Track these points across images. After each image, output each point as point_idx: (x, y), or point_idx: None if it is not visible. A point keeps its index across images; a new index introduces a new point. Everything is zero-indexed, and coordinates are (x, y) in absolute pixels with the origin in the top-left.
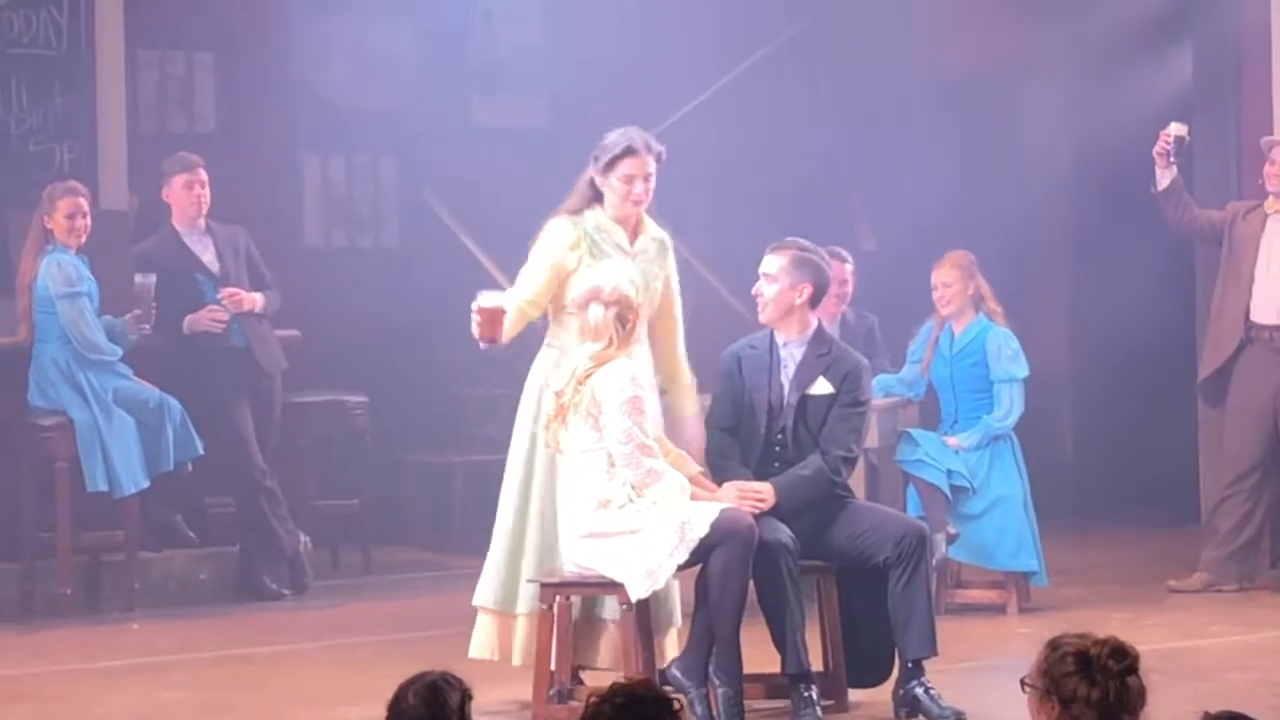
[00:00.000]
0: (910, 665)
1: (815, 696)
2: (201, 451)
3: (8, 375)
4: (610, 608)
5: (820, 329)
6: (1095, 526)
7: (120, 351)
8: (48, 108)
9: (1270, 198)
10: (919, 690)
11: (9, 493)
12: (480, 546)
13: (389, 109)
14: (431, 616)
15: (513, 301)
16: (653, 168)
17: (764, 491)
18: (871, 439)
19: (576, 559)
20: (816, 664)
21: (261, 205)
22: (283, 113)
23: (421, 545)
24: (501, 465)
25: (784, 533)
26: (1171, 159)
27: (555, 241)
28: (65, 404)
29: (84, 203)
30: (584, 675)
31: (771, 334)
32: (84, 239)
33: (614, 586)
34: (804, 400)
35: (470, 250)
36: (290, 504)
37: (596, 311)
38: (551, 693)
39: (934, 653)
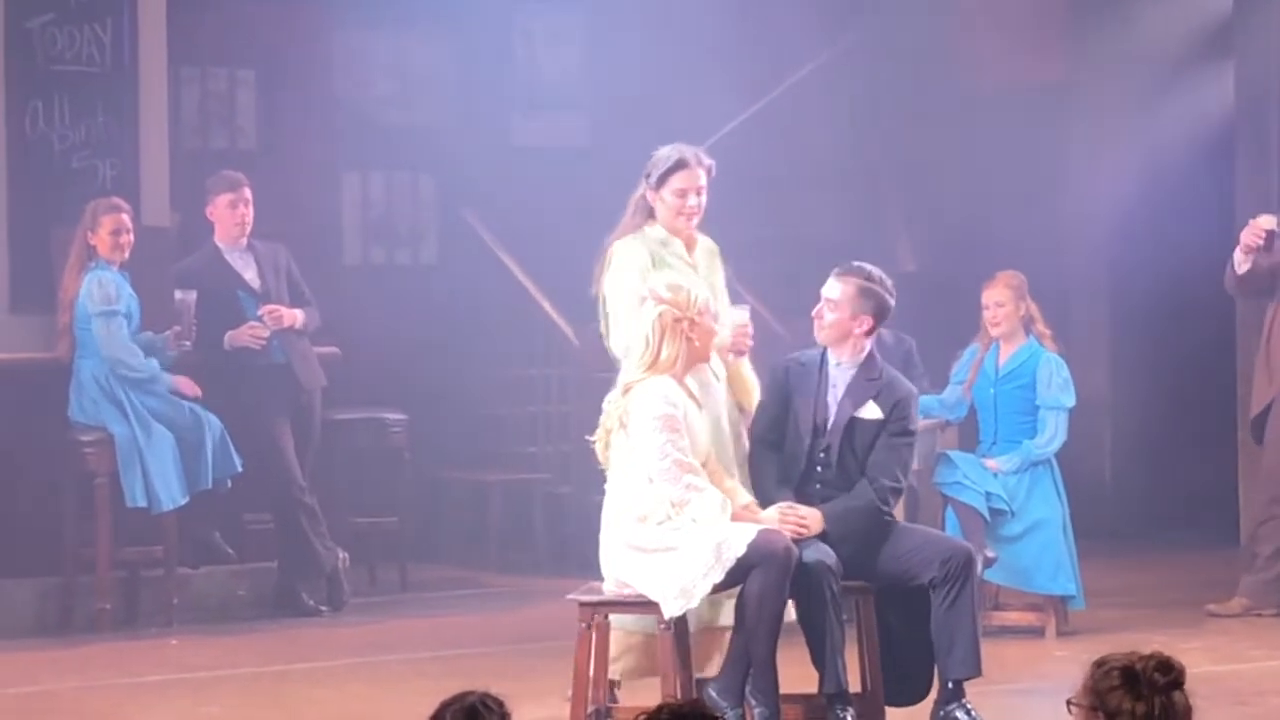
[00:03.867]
0: (951, 686)
1: (852, 718)
2: (240, 469)
3: (48, 391)
4: (727, 614)
5: (872, 355)
6: (1134, 549)
7: (154, 367)
8: (90, 124)
9: None
10: (959, 712)
11: (50, 508)
12: (516, 565)
13: (429, 127)
14: (468, 634)
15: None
16: (704, 180)
17: (809, 517)
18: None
19: (616, 573)
20: (854, 685)
21: (301, 222)
22: (324, 130)
23: (459, 563)
24: (538, 484)
25: (828, 554)
26: (1260, 249)
27: (632, 260)
28: (105, 420)
29: (127, 219)
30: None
31: (824, 352)
32: (127, 255)
33: (651, 605)
34: (852, 422)
35: (509, 268)
36: (328, 521)
37: (644, 314)
38: (589, 712)
39: (978, 673)
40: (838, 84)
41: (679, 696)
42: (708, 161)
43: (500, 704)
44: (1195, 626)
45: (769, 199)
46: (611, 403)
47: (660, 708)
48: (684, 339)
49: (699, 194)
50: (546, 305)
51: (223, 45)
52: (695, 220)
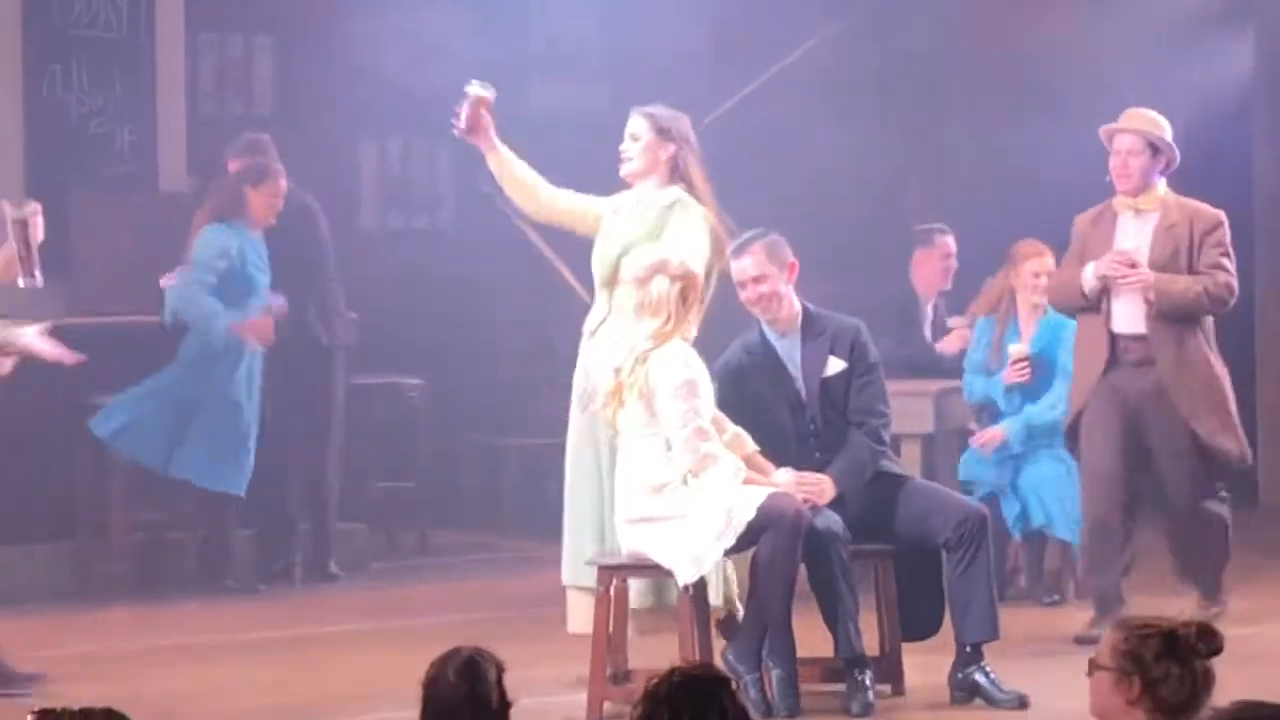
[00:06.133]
0: (969, 649)
1: (870, 681)
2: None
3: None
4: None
5: (806, 309)
6: (1152, 510)
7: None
8: (108, 90)
9: (1118, 195)
10: (979, 675)
11: (62, 472)
12: (533, 529)
13: (446, 92)
14: (486, 598)
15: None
16: (634, 129)
17: (823, 481)
18: (927, 423)
19: (628, 543)
20: (872, 648)
21: (318, 188)
22: (341, 96)
23: (476, 528)
24: (555, 448)
25: (835, 521)
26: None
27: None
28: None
29: (284, 184)
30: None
31: (761, 331)
32: (273, 222)
33: (668, 570)
34: (823, 385)
35: (526, 233)
36: (346, 486)
37: (660, 285)
38: (608, 674)
39: (995, 636)
40: (855, 49)
41: (696, 658)
42: (647, 111)
43: (493, 655)
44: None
45: (782, 161)
46: (623, 370)
47: (673, 670)
48: (695, 307)
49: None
50: (564, 270)
51: (240, 11)
52: (625, 170)
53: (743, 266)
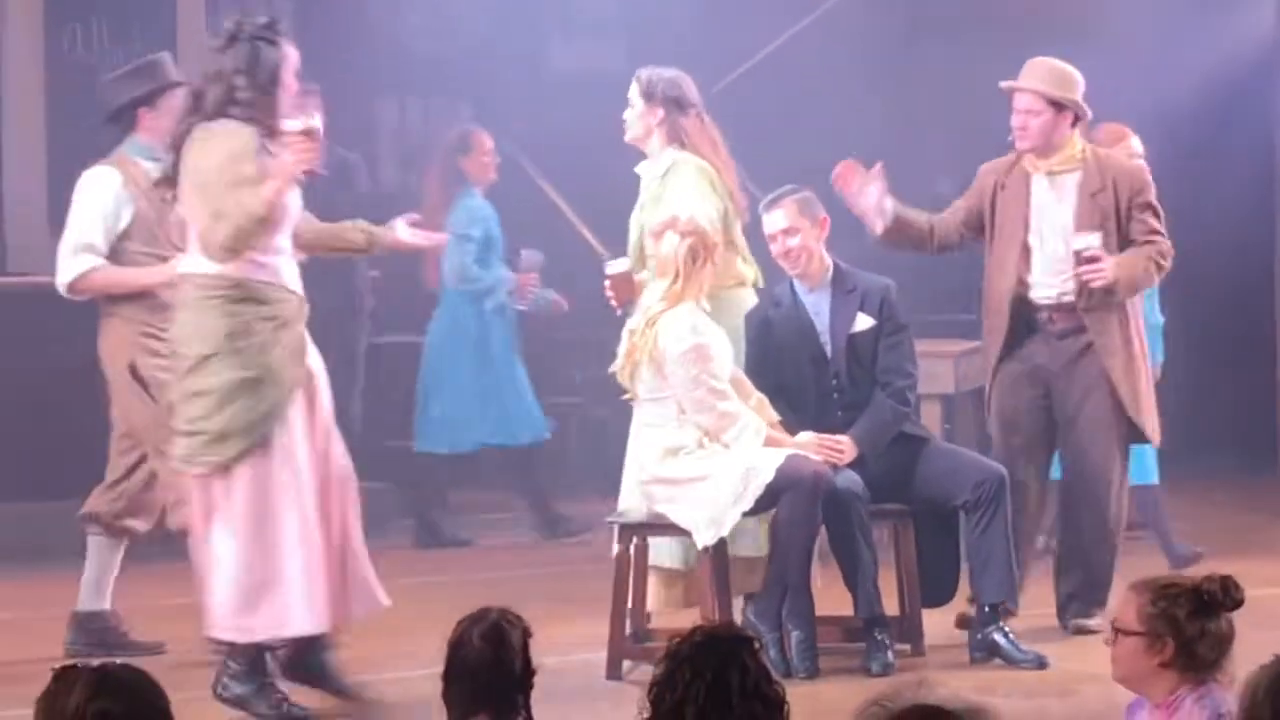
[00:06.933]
0: (987, 610)
1: (889, 641)
2: None
3: (84, 313)
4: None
5: (838, 265)
6: (1172, 474)
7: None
8: (128, 49)
9: (1027, 155)
10: (997, 635)
11: (86, 429)
12: (554, 488)
13: (466, 53)
14: (508, 557)
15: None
16: (630, 94)
17: (844, 443)
18: (948, 384)
19: (647, 506)
20: (892, 608)
21: (338, 149)
22: (361, 57)
23: (499, 488)
24: (576, 408)
25: (855, 481)
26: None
27: (707, 191)
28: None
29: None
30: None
31: (792, 286)
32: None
33: (687, 530)
34: (850, 341)
35: (545, 192)
36: (369, 445)
37: (670, 242)
38: (628, 633)
39: (1013, 599)
40: (874, 8)
41: (716, 618)
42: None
43: (520, 618)
44: (1235, 550)
45: (804, 123)
46: (636, 333)
47: (695, 629)
48: (708, 266)
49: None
50: (584, 230)
51: None
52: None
53: (773, 219)
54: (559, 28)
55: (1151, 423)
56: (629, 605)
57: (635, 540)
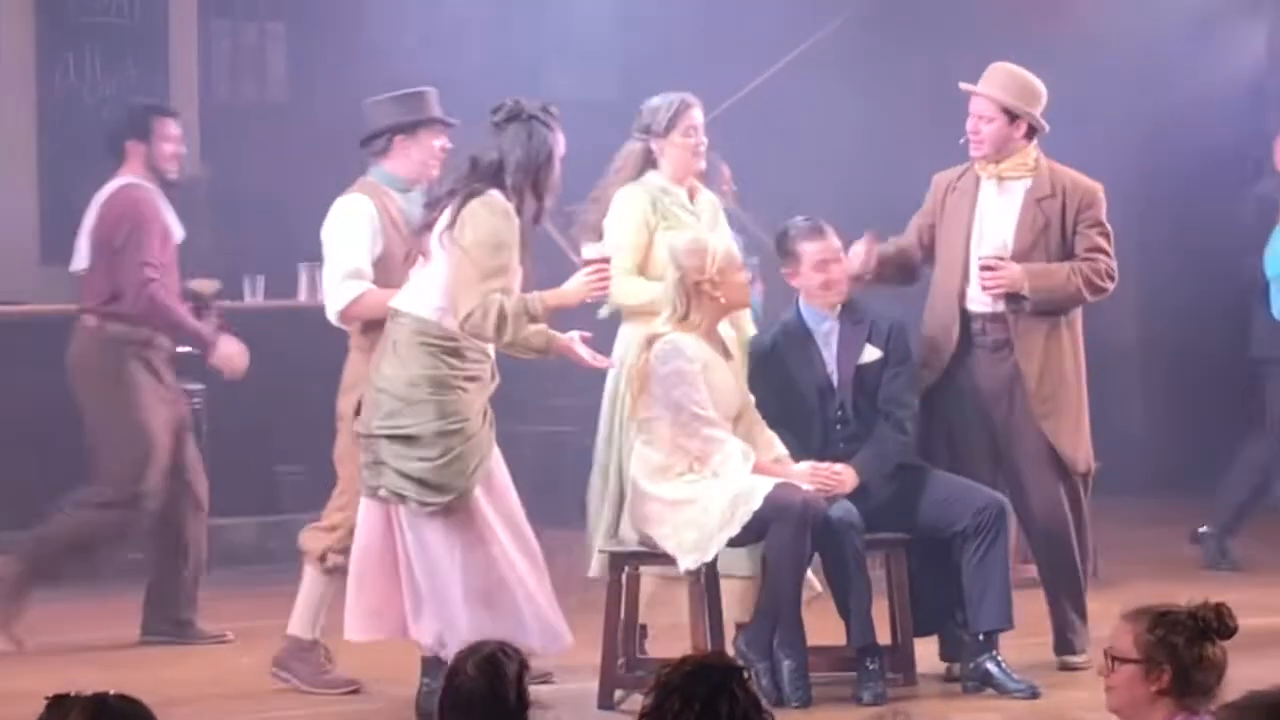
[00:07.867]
0: (982, 638)
1: (881, 669)
2: None
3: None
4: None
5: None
6: (1165, 499)
7: None
8: (121, 77)
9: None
10: (990, 664)
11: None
12: (546, 516)
13: (459, 78)
14: None
15: (622, 272)
16: (702, 119)
17: (844, 472)
18: None
19: (636, 525)
20: (884, 637)
21: (332, 174)
22: (354, 81)
23: None
24: (571, 436)
25: (850, 510)
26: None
27: (635, 206)
28: None
29: None
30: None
31: (799, 312)
32: None
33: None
34: (858, 372)
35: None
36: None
37: (668, 275)
38: (619, 662)
39: (1009, 625)
40: (869, 36)
41: (707, 647)
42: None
43: (517, 652)
44: (1228, 577)
45: (798, 151)
46: (637, 357)
47: (684, 658)
48: (708, 298)
49: (701, 131)
50: (577, 258)
51: None
52: (701, 158)
53: (828, 244)
54: (552, 54)
55: (1075, 449)
56: (620, 634)
57: (626, 569)
